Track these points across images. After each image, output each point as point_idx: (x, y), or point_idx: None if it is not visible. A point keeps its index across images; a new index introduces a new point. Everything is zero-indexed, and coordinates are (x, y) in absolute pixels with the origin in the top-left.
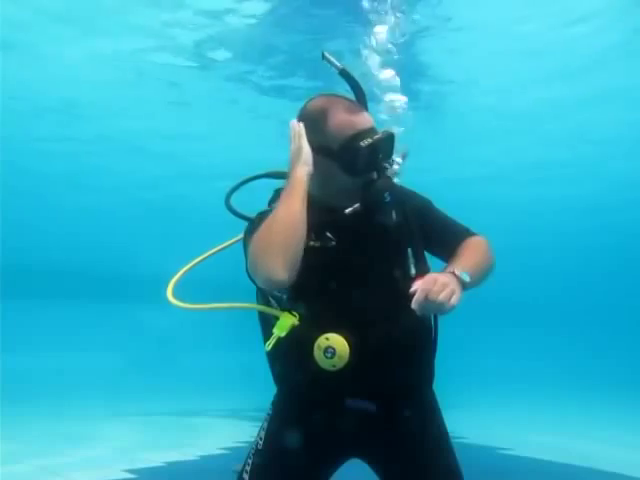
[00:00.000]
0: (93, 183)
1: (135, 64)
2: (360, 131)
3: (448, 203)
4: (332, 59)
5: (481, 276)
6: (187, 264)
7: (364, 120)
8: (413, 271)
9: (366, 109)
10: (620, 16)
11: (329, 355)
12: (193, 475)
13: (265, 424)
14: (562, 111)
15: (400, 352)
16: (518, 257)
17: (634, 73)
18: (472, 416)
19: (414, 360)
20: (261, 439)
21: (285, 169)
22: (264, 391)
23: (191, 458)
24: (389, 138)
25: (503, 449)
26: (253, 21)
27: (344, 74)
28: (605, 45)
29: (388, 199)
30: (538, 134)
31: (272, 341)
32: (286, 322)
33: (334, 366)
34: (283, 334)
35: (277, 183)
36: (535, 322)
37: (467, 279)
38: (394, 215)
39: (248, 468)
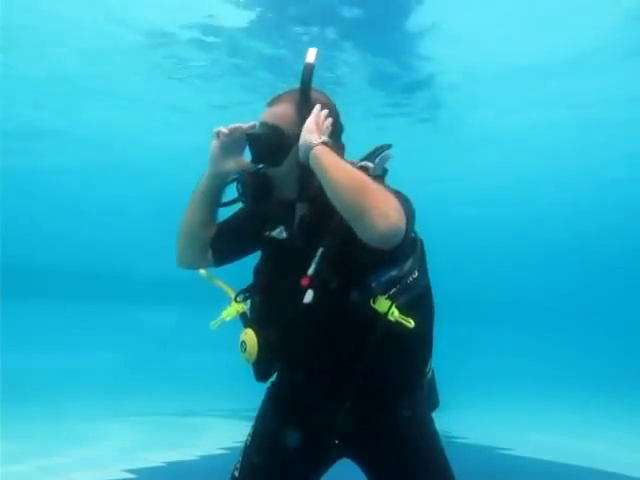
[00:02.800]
0: (93, 183)
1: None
2: (260, 122)
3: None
4: (310, 53)
5: (340, 189)
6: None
7: (265, 114)
8: (310, 271)
9: (304, 100)
10: None
11: (242, 349)
12: (193, 475)
13: (254, 421)
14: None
15: (313, 360)
16: (519, 258)
17: None
18: (472, 416)
19: (334, 369)
20: (250, 436)
21: None
22: (264, 391)
23: (191, 458)
24: (262, 133)
25: (503, 449)
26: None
27: (306, 67)
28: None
29: (243, 193)
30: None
31: (216, 322)
32: (234, 308)
33: (246, 360)
34: (227, 319)
35: None
36: (535, 322)
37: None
38: (303, 213)
39: (239, 465)
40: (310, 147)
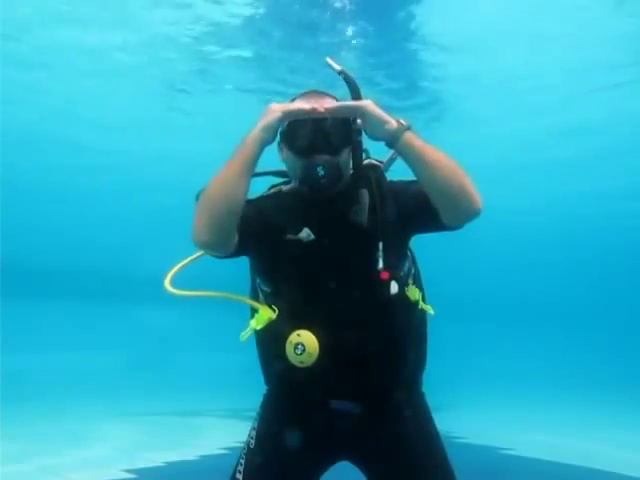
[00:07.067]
0: (93, 183)
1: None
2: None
3: None
4: (332, 63)
5: (440, 169)
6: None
7: (319, 101)
8: (380, 265)
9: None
10: None
11: (299, 351)
12: (193, 475)
13: (255, 424)
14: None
15: (376, 354)
16: (518, 257)
17: None
18: (472, 416)
19: (391, 363)
20: (252, 438)
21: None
22: (263, 392)
23: (191, 458)
24: (335, 120)
25: (503, 449)
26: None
27: (342, 74)
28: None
29: (323, 176)
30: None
31: (247, 333)
32: (263, 316)
33: (302, 363)
34: (259, 327)
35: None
36: (536, 322)
37: (411, 131)
38: (364, 206)
39: (241, 468)
40: (401, 130)
